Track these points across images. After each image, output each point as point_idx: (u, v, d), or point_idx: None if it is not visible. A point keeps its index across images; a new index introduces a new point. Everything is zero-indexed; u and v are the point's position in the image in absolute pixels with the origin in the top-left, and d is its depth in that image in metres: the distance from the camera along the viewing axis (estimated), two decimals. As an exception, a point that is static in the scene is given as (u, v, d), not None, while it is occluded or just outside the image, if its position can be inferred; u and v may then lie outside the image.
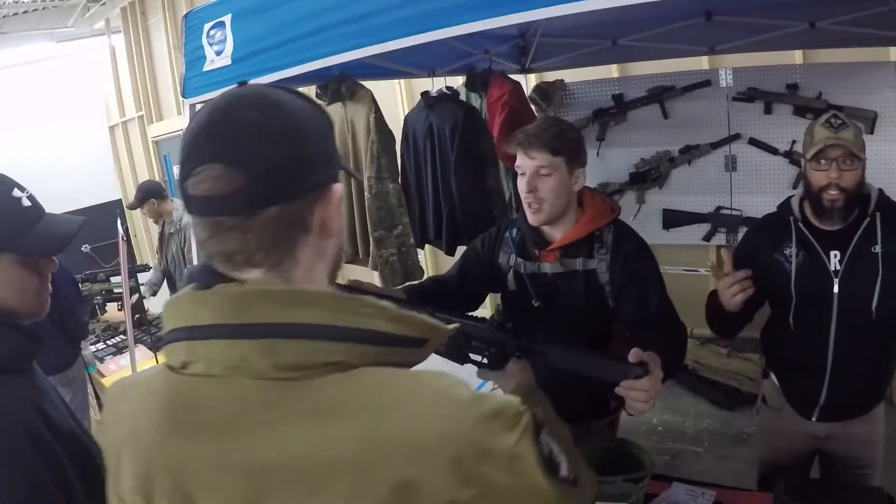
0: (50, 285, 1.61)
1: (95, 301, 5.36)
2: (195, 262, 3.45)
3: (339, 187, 0.99)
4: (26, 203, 1.54)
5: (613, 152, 5.22)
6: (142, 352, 4.85)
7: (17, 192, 1.53)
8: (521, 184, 2.28)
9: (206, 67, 2.87)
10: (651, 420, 4.75)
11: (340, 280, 1.31)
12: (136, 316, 4.86)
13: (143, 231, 10.90)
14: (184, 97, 3.13)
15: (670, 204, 5.15)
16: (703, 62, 4.78)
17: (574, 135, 2.32)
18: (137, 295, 4.84)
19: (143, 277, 5.44)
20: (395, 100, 6.31)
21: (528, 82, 5.01)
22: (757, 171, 4.72)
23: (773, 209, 2.53)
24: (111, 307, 5.53)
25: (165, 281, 5.76)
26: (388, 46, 2.22)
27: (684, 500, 2.17)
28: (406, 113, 4.29)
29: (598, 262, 2.32)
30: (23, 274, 1.51)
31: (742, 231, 4.65)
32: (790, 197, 2.47)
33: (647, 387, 1.68)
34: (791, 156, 4.50)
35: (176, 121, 9.43)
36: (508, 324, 1.70)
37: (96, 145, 11.61)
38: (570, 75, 5.11)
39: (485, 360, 1.70)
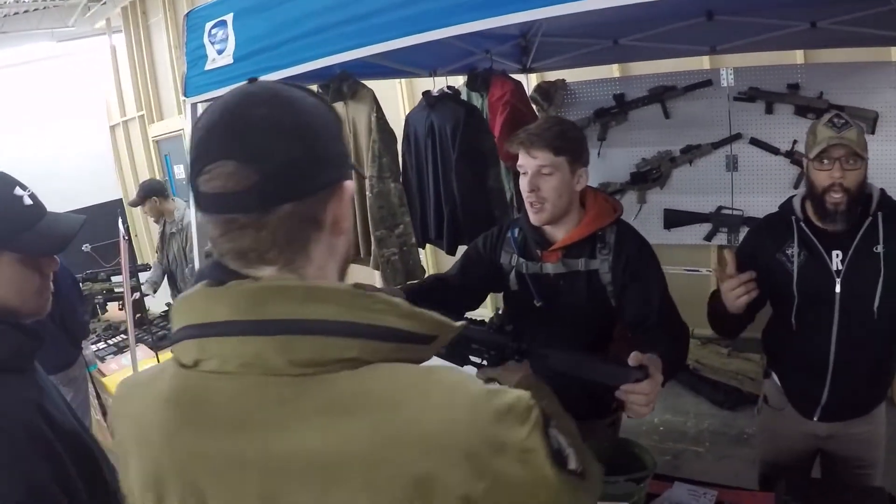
0: (52, 284, 1.62)
1: (96, 300, 5.37)
2: (196, 261, 3.45)
3: (350, 184, 0.99)
4: (28, 202, 1.54)
5: (614, 152, 5.22)
6: (143, 351, 4.85)
7: (18, 191, 1.53)
8: (523, 183, 2.28)
9: (208, 66, 2.87)
10: (652, 420, 4.75)
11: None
12: (137, 315, 4.86)
13: (143, 230, 10.91)
14: (185, 96, 3.13)
15: (671, 204, 5.15)
16: (704, 62, 4.78)
17: (576, 134, 2.32)
18: (138, 293, 4.84)
19: (143, 276, 5.45)
20: (396, 99, 6.32)
21: (530, 82, 5.01)
22: (758, 171, 4.72)
23: (775, 209, 2.52)
24: (112, 307, 5.54)
25: (166, 279, 5.77)
26: (389, 46, 2.22)
27: (686, 500, 2.17)
28: (407, 112, 4.29)
29: (600, 263, 2.32)
30: (24, 273, 1.51)
31: (743, 231, 4.65)
32: (792, 197, 2.47)
33: (647, 390, 1.69)
34: (792, 156, 4.50)
35: (177, 120, 9.44)
36: (508, 326, 1.70)
37: (97, 145, 11.62)
38: (571, 75, 5.11)
39: (484, 363, 1.70)
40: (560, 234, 2.35)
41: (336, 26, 2.32)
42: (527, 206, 2.30)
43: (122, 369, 4.79)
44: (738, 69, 4.61)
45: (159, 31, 9.67)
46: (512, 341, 1.66)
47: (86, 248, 8.73)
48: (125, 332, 5.16)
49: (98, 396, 4.68)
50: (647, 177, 5.14)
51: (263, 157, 0.88)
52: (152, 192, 5.45)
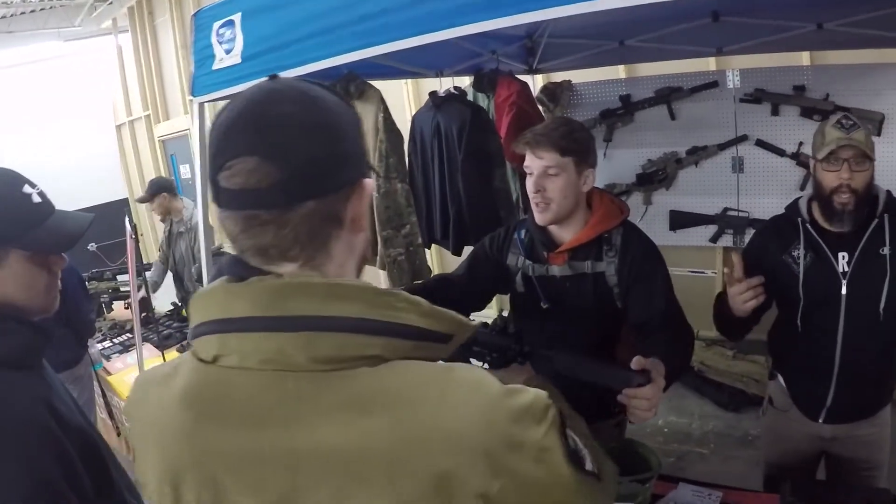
0: (60, 282, 1.62)
1: (102, 299, 5.39)
2: (203, 260, 3.46)
3: (370, 182, 0.99)
4: (37, 199, 1.55)
5: (620, 153, 5.23)
6: (148, 350, 4.86)
7: (27, 189, 1.54)
8: (529, 184, 2.28)
9: (216, 66, 2.87)
10: (657, 422, 4.75)
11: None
12: (143, 314, 4.87)
13: (149, 230, 10.92)
14: (192, 96, 3.14)
15: (677, 205, 5.15)
16: (710, 63, 4.78)
17: (584, 135, 2.31)
18: (144, 292, 4.85)
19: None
20: (403, 100, 6.31)
21: (536, 83, 5.00)
22: (764, 173, 4.73)
23: (781, 211, 2.52)
24: (117, 305, 5.56)
25: (172, 279, 5.78)
26: (396, 46, 2.22)
27: (691, 501, 2.17)
28: (413, 113, 4.30)
29: (606, 265, 2.31)
30: (32, 270, 1.52)
31: (749, 233, 4.66)
32: (798, 198, 2.47)
33: (649, 395, 1.69)
34: (798, 157, 4.50)
35: (183, 120, 9.46)
36: (511, 328, 1.70)
37: (103, 144, 11.64)
38: (577, 76, 5.11)
39: (486, 365, 1.70)
40: (566, 235, 2.35)
41: (343, 26, 2.32)
42: (532, 206, 2.30)
43: (128, 368, 4.81)
44: (745, 71, 4.61)
45: (165, 31, 9.68)
46: (515, 343, 1.65)
47: (91, 247, 8.73)
48: (130, 330, 5.18)
49: (103, 395, 4.69)
50: (653, 178, 5.14)
51: (287, 154, 0.88)
52: (162, 189, 5.46)
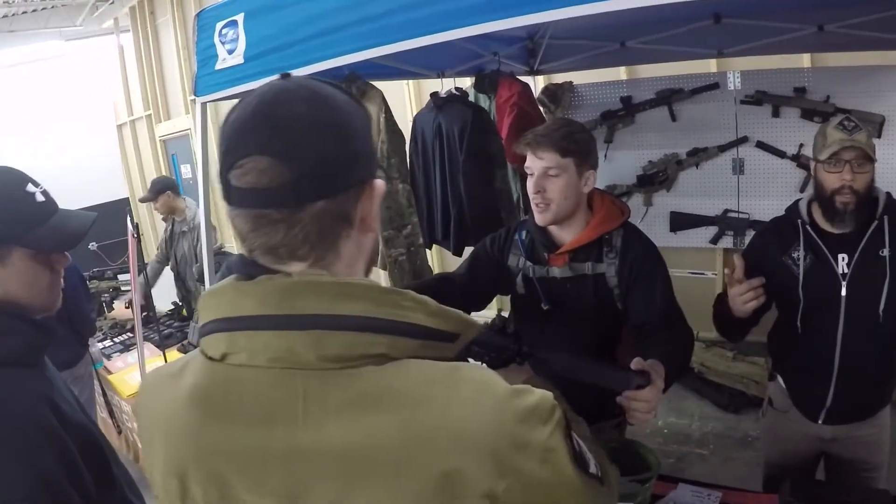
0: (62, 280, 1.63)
1: (102, 298, 5.39)
2: (204, 259, 3.46)
3: (380, 183, 0.99)
4: (40, 198, 1.55)
5: (621, 154, 5.24)
6: (149, 349, 4.86)
7: (30, 188, 1.55)
8: (530, 184, 2.28)
9: (218, 66, 2.88)
10: (656, 423, 4.76)
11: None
12: (144, 314, 4.87)
13: (150, 230, 10.92)
14: (195, 95, 3.14)
15: (678, 206, 5.16)
16: (711, 65, 4.78)
17: (585, 136, 2.31)
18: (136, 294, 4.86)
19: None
20: (404, 100, 6.32)
21: (537, 84, 5.01)
22: (764, 175, 4.73)
23: (781, 212, 2.53)
24: (118, 304, 5.57)
25: (174, 278, 5.78)
26: (398, 47, 2.23)
27: (690, 501, 2.18)
28: (415, 113, 4.30)
29: (606, 266, 2.32)
30: (35, 268, 1.53)
31: (749, 234, 4.67)
32: (798, 200, 2.47)
33: (649, 397, 1.70)
34: (799, 159, 4.51)
35: (184, 120, 9.47)
36: (509, 328, 1.70)
37: (104, 144, 11.63)
38: (578, 77, 5.12)
39: (483, 365, 1.70)
40: (567, 236, 2.35)
41: (346, 27, 2.33)
42: (532, 206, 2.31)
43: (128, 367, 4.82)
44: (745, 72, 4.62)
45: (167, 31, 9.68)
46: (513, 343, 1.64)
47: (92, 246, 8.74)
48: (131, 330, 5.19)
49: (104, 394, 4.69)
50: (654, 179, 5.15)
51: (298, 154, 0.88)
52: (166, 188, 5.46)
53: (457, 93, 3.96)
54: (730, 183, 4.89)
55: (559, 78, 5.14)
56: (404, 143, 3.81)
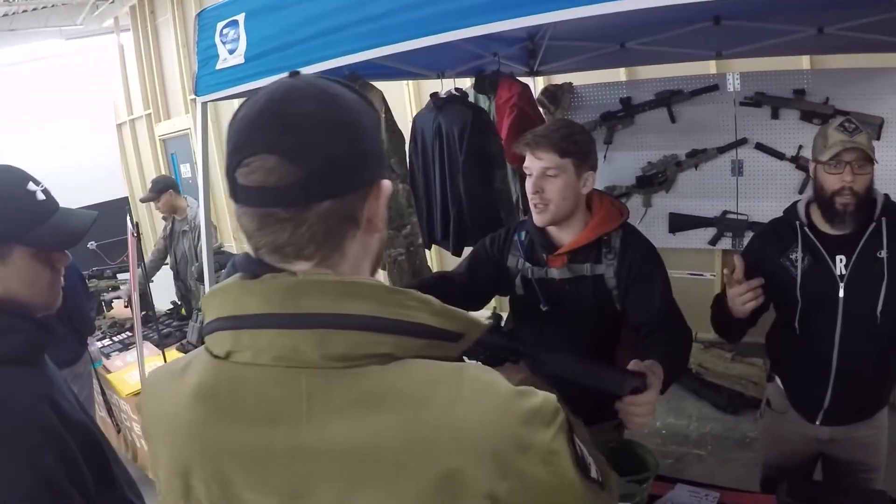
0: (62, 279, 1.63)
1: (102, 298, 5.39)
2: (204, 258, 3.46)
3: (387, 183, 0.98)
4: (41, 197, 1.55)
5: (621, 155, 5.24)
6: (148, 348, 4.86)
7: (31, 186, 1.55)
8: (528, 185, 2.28)
9: (219, 66, 2.88)
10: (655, 423, 4.75)
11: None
12: (143, 313, 4.87)
13: (149, 230, 10.92)
14: (196, 95, 3.15)
15: (677, 208, 5.16)
16: (710, 66, 4.79)
17: (584, 137, 2.31)
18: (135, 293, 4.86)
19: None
20: (404, 100, 6.33)
21: (537, 85, 5.01)
22: (763, 176, 4.74)
23: (780, 214, 2.53)
24: (117, 304, 5.56)
25: (173, 278, 5.78)
26: (399, 47, 2.23)
27: (688, 502, 2.18)
28: (414, 114, 4.31)
29: (605, 268, 2.32)
30: (36, 267, 1.53)
31: (748, 236, 4.67)
32: (796, 201, 2.48)
33: (646, 401, 1.71)
34: (797, 161, 4.52)
35: (183, 119, 9.48)
36: (504, 327, 1.69)
37: (103, 143, 11.63)
38: (578, 78, 5.12)
39: (478, 364, 1.69)
40: (566, 237, 2.35)
41: (347, 27, 2.33)
42: (531, 206, 2.31)
43: (127, 366, 4.82)
44: (745, 74, 4.62)
45: (167, 30, 9.69)
46: (508, 341, 1.63)
47: (91, 245, 8.74)
48: (130, 329, 5.18)
49: (103, 393, 4.69)
50: (653, 180, 5.16)
51: (307, 153, 0.88)
52: (168, 186, 5.47)
53: (457, 93, 3.97)
54: (729, 184, 4.90)
55: (559, 79, 5.15)
56: (404, 144, 3.83)
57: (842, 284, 2.31)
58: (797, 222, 2.41)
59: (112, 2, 9.96)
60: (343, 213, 0.92)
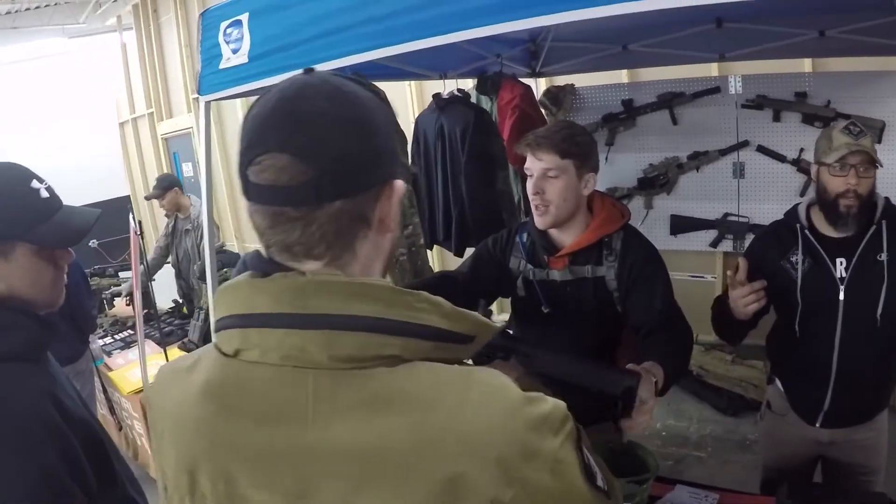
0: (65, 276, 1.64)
1: (103, 296, 5.40)
2: (207, 257, 3.46)
3: (400, 184, 0.97)
4: (44, 194, 1.55)
5: (622, 157, 5.24)
6: (150, 346, 4.87)
7: (35, 184, 1.55)
8: (529, 186, 2.29)
9: (223, 65, 2.88)
10: (655, 425, 4.76)
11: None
12: (145, 311, 4.88)
13: (151, 228, 10.92)
14: (199, 94, 3.15)
15: (678, 210, 5.16)
16: (712, 69, 4.79)
17: (585, 139, 2.31)
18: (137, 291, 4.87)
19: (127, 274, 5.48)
20: (406, 101, 6.34)
21: (539, 86, 5.00)
22: (765, 179, 4.74)
23: (780, 216, 2.54)
24: (119, 302, 5.57)
25: (174, 276, 5.79)
26: (403, 48, 2.23)
27: (687, 502, 2.19)
28: (417, 114, 4.31)
29: (606, 269, 2.32)
30: (39, 264, 1.53)
31: (749, 238, 4.67)
32: (797, 204, 2.48)
33: (646, 410, 1.74)
34: (799, 164, 4.51)
35: (186, 118, 9.49)
36: (496, 324, 1.68)
37: (106, 142, 11.64)
38: (580, 80, 5.11)
39: (469, 361, 1.69)
40: (567, 239, 2.35)
41: (351, 28, 2.33)
42: (532, 208, 2.31)
43: (129, 364, 4.83)
44: (747, 77, 4.62)
45: (170, 29, 9.70)
46: (499, 339, 1.60)
47: (93, 243, 8.74)
48: (132, 327, 5.19)
49: (104, 391, 4.70)
50: (655, 182, 5.15)
51: (319, 152, 0.87)
52: (173, 184, 5.48)
53: (459, 94, 3.98)
54: (730, 187, 4.89)
55: (561, 80, 5.13)
56: (406, 144, 3.83)
57: (842, 287, 2.31)
58: (798, 225, 2.41)
59: (115, 0, 9.96)
60: (355, 213, 0.91)
